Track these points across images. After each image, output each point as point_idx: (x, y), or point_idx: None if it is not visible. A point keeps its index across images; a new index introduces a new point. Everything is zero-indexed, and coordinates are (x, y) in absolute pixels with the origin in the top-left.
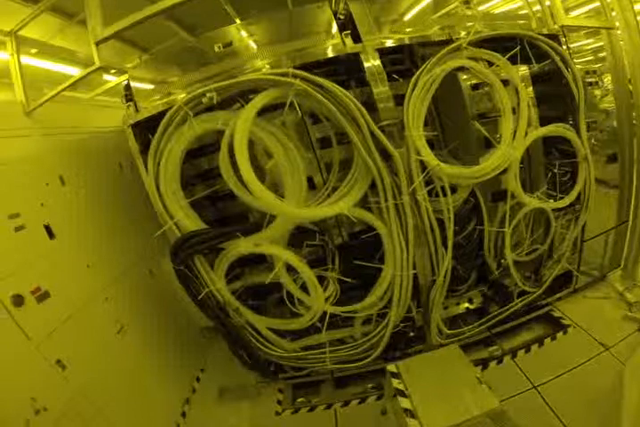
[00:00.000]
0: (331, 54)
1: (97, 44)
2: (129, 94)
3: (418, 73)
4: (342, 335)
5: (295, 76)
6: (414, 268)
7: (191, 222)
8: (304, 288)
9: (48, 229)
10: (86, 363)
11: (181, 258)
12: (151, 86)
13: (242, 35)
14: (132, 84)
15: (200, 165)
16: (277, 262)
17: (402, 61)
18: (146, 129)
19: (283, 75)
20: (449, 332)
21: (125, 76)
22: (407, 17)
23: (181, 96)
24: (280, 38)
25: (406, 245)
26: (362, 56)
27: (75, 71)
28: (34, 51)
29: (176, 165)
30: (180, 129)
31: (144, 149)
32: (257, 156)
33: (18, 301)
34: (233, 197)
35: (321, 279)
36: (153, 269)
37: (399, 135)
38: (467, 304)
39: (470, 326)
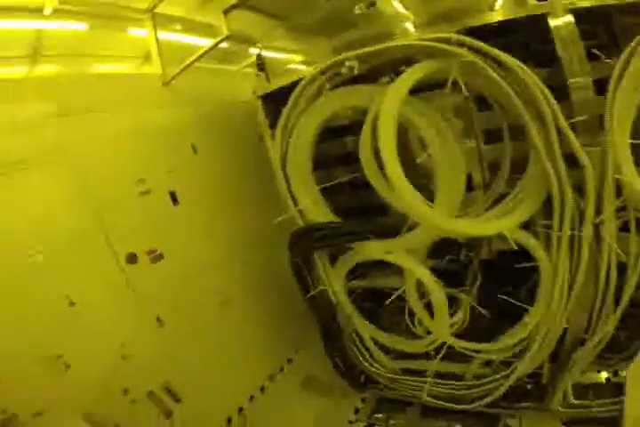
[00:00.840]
0: (503, 16)
1: (225, 12)
2: (261, 63)
3: (627, 52)
4: (452, 370)
5: (460, 44)
6: (567, 321)
7: (318, 211)
8: (427, 304)
9: (173, 195)
10: (184, 325)
11: (300, 250)
12: (285, 56)
13: None
14: (268, 54)
15: (338, 146)
16: (409, 278)
17: (594, 35)
18: (278, 101)
19: (443, 41)
20: (575, 402)
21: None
22: None
23: (316, 65)
24: None
25: (569, 290)
26: (549, 20)
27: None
28: (178, 27)
29: (307, 144)
30: (315, 103)
31: (274, 123)
32: (405, 143)
33: (132, 258)
34: (372, 188)
35: (450, 300)
36: (277, 243)
37: (591, 138)
38: (609, 375)
39: (603, 402)
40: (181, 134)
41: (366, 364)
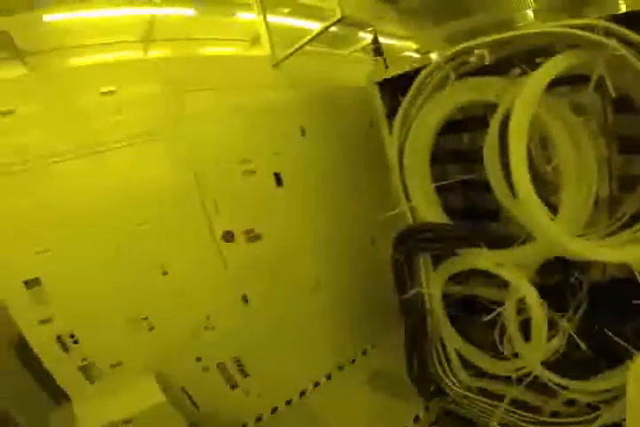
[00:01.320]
0: None
1: None
2: (377, 48)
3: None
4: (530, 401)
5: (608, 34)
6: None
7: (430, 211)
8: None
9: (277, 177)
10: (268, 306)
11: (405, 249)
12: (395, 42)
13: None
14: (383, 40)
15: (453, 142)
16: (512, 294)
17: None
18: (395, 89)
19: (588, 28)
20: None
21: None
22: None
23: (440, 52)
24: None
25: None
26: None
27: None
28: (286, 10)
29: (428, 138)
30: (438, 94)
31: (391, 112)
32: (532, 146)
33: (228, 237)
34: (489, 190)
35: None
36: (376, 237)
37: None
38: None
39: None
40: (290, 117)
41: (442, 374)
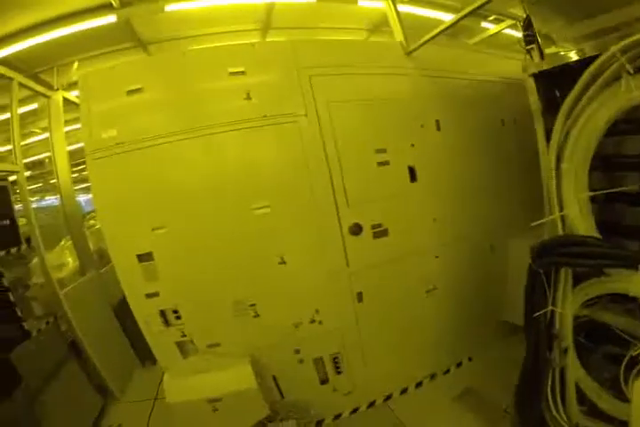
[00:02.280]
0: None
1: None
2: (530, 35)
3: None
4: None
5: None
6: None
7: (583, 223)
8: None
9: (412, 171)
10: (381, 306)
11: (545, 262)
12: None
13: None
14: (513, 32)
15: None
16: None
17: None
18: (551, 83)
19: None
20: None
21: (504, 24)
22: None
23: (613, 43)
24: None
25: None
26: None
27: None
28: None
29: (593, 140)
30: (610, 88)
31: (547, 108)
32: None
33: (356, 230)
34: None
35: None
36: (495, 245)
37: None
38: None
39: None
40: (425, 108)
41: (552, 405)
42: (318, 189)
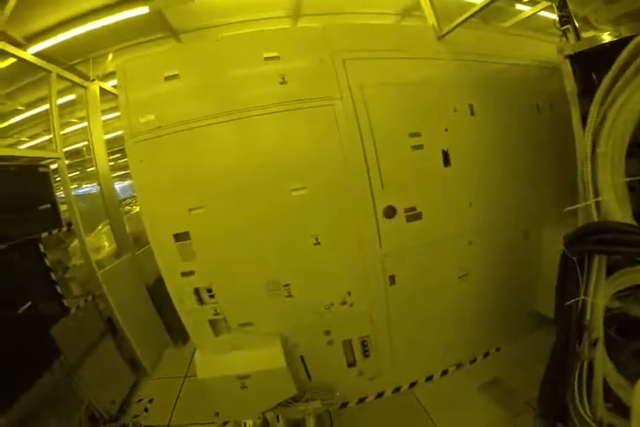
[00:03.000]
0: None
1: None
2: (565, 15)
3: None
4: None
5: None
6: None
7: (619, 210)
8: None
9: (445, 155)
10: (414, 289)
11: (579, 249)
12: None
13: None
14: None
15: None
16: None
17: None
18: (588, 65)
19: None
20: None
21: (539, 6)
22: None
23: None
24: None
25: None
26: None
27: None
28: None
29: (630, 124)
30: None
31: (583, 91)
32: None
33: (389, 213)
34: None
35: None
36: (529, 231)
37: None
38: None
39: None
40: (459, 92)
41: (577, 398)
42: (353, 171)
